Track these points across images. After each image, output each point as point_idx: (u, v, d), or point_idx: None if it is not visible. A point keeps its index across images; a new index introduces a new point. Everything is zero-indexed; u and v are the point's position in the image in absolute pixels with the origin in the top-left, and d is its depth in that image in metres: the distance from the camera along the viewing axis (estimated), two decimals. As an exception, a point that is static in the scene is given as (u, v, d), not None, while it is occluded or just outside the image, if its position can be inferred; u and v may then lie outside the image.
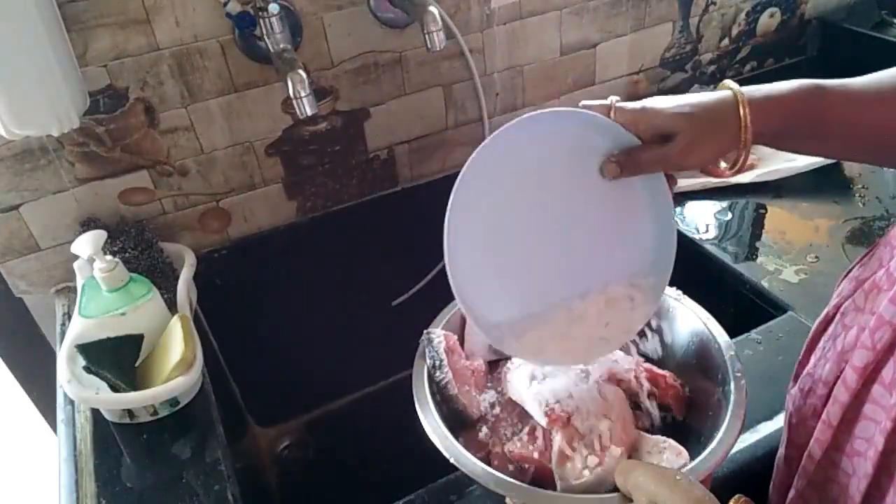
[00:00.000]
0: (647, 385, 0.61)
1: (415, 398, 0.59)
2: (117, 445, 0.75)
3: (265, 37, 0.86)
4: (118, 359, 0.76)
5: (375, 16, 0.97)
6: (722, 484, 0.65)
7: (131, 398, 0.73)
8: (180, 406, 0.77)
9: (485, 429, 0.61)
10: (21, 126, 0.75)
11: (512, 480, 0.53)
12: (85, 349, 0.74)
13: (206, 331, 1.01)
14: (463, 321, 0.68)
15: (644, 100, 0.56)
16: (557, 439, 0.56)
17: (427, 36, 0.87)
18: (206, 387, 0.80)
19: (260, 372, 1.13)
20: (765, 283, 0.87)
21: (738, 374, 0.57)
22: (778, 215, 1.00)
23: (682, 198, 1.05)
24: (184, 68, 0.90)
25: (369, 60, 1.01)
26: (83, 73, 0.84)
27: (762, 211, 1.01)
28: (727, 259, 0.92)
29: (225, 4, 0.87)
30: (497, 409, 0.63)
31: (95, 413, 0.78)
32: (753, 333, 0.80)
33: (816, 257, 0.91)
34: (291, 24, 0.91)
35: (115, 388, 0.74)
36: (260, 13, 0.85)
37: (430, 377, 0.61)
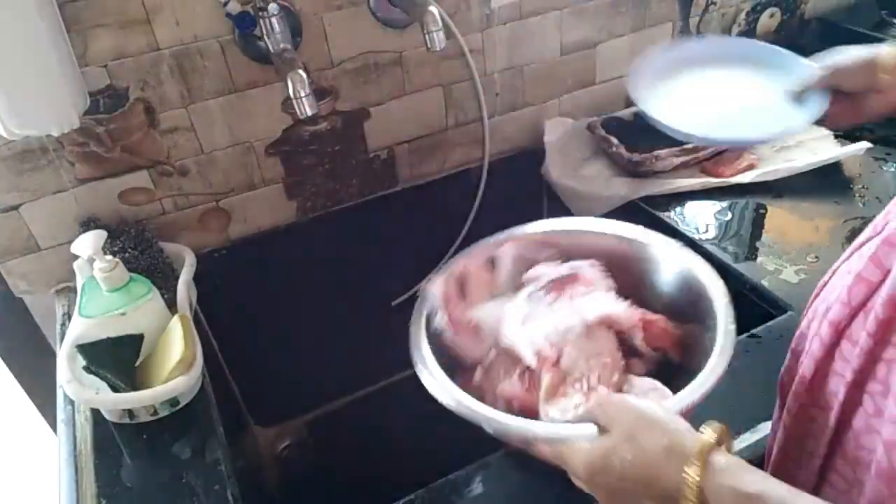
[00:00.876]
0: (640, 329, 0.62)
1: (410, 339, 0.61)
2: (117, 445, 0.75)
3: (265, 37, 0.86)
4: (118, 359, 0.76)
5: (375, 16, 0.97)
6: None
7: (131, 398, 0.73)
8: (180, 406, 0.77)
9: (479, 372, 0.62)
10: (21, 126, 0.75)
11: (486, 409, 0.54)
12: (85, 349, 0.74)
13: (206, 331, 1.01)
14: (464, 273, 0.69)
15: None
16: (546, 379, 0.57)
17: (427, 36, 0.87)
18: (206, 387, 0.80)
19: (260, 372, 1.13)
20: (765, 283, 0.87)
21: (730, 320, 0.60)
22: (778, 215, 1.00)
23: (682, 198, 1.05)
24: (184, 68, 0.90)
25: (369, 60, 1.01)
26: (83, 73, 0.84)
27: (762, 211, 1.01)
28: (727, 259, 0.92)
29: (225, 4, 0.87)
30: (493, 354, 0.64)
31: (95, 413, 0.78)
32: (753, 333, 0.80)
33: (816, 257, 0.91)
34: (291, 24, 0.91)
35: (115, 388, 0.74)
36: (260, 13, 0.85)
37: (428, 325, 0.63)
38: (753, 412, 0.70)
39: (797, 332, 0.58)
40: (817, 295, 0.58)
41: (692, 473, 0.42)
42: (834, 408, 0.49)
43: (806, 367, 0.52)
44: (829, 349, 0.50)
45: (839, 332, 0.49)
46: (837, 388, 0.49)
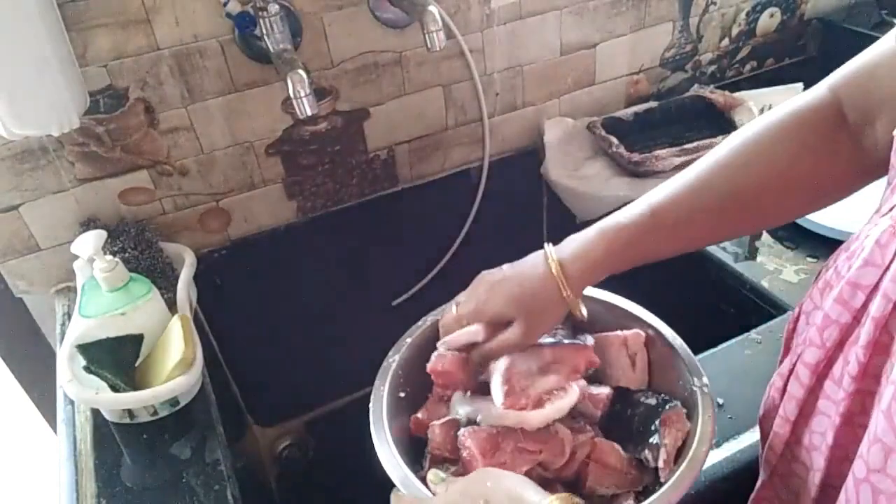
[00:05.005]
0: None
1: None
2: (117, 445, 0.75)
3: (265, 37, 0.86)
4: (118, 359, 0.76)
5: (375, 16, 0.97)
6: (721, 483, 0.65)
7: (131, 398, 0.73)
8: (180, 406, 0.77)
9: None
10: (21, 126, 0.75)
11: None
12: (85, 349, 0.74)
13: (206, 331, 1.01)
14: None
15: (476, 289, 0.63)
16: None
17: (427, 36, 0.87)
18: (206, 387, 0.80)
19: (260, 372, 1.14)
20: (765, 283, 0.87)
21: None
22: (778, 215, 1.00)
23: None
24: (184, 68, 0.90)
25: (369, 60, 1.01)
26: (83, 73, 0.84)
27: (762, 211, 1.01)
28: (727, 259, 0.92)
29: (225, 4, 0.87)
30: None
31: (95, 413, 0.78)
32: (753, 333, 0.80)
33: (816, 257, 0.91)
34: (291, 24, 0.91)
35: (115, 388, 0.74)
36: (260, 13, 0.85)
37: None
38: (753, 412, 0.70)
39: (775, 374, 0.58)
40: (790, 336, 0.58)
41: None
42: (822, 448, 0.50)
43: (789, 409, 0.52)
44: (810, 391, 0.51)
45: (818, 374, 0.50)
46: (825, 428, 0.49)
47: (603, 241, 0.58)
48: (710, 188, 0.58)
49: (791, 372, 0.52)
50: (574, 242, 0.59)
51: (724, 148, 0.58)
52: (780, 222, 0.71)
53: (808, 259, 0.91)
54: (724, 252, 0.93)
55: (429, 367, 0.65)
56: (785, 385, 0.53)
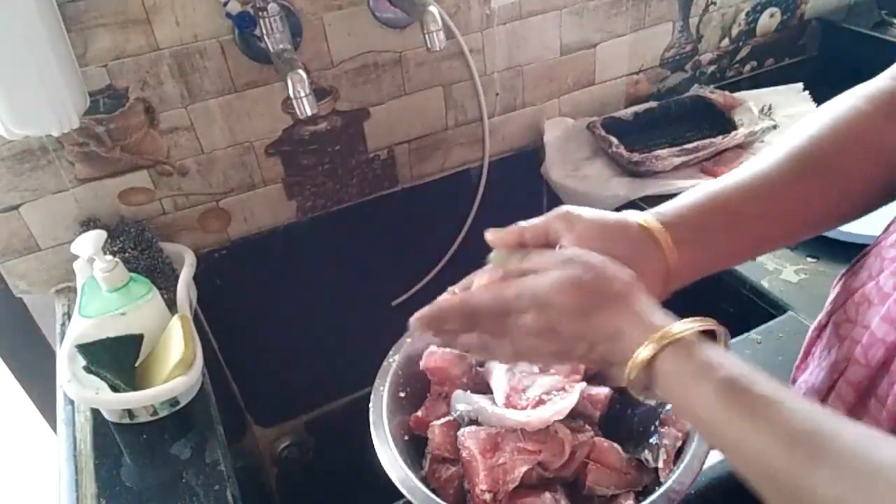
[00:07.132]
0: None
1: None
2: (117, 445, 0.75)
3: (265, 37, 0.86)
4: (118, 359, 0.76)
5: (375, 16, 0.97)
6: (721, 483, 0.65)
7: (131, 398, 0.73)
8: (180, 406, 0.77)
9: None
10: (21, 126, 0.75)
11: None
12: (85, 349, 0.74)
13: (206, 331, 1.01)
14: None
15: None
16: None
17: (427, 36, 0.87)
18: (206, 387, 0.80)
19: (260, 372, 1.14)
20: (765, 283, 0.87)
21: None
22: (778, 215, 1.00)
23: (682, 198, 1.05)
24: (184, 68, 0.90)
25: (369, 60, 1.01)
26: (83, 73, 0.84)
27: (762, 211, 1.01)
28: (727, 259, 0.92)
29: (225, 4, 0.87)
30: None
31: (95, 413, 0.78)
32: (753, 333, 0.80)
33: (816, 257, 0.91)
34: (291, 24, 0.91)
35: (115, 388, 0.74)
36: (260, 13, 0.85)
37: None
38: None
39: (800, 386, 0.56)
40: (812, 343, 0.57)
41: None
42: None
43: None
44: (852, 409, 0.49)
45: (862, 392, 0.49)
46: None
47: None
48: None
49: (831, 389, 0.51)
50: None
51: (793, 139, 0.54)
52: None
53: (808, 259, 0.90)
54: (723, 252, 0.93)
55: (422, 364, 0.65)
56: (823, 400, 0.52)
